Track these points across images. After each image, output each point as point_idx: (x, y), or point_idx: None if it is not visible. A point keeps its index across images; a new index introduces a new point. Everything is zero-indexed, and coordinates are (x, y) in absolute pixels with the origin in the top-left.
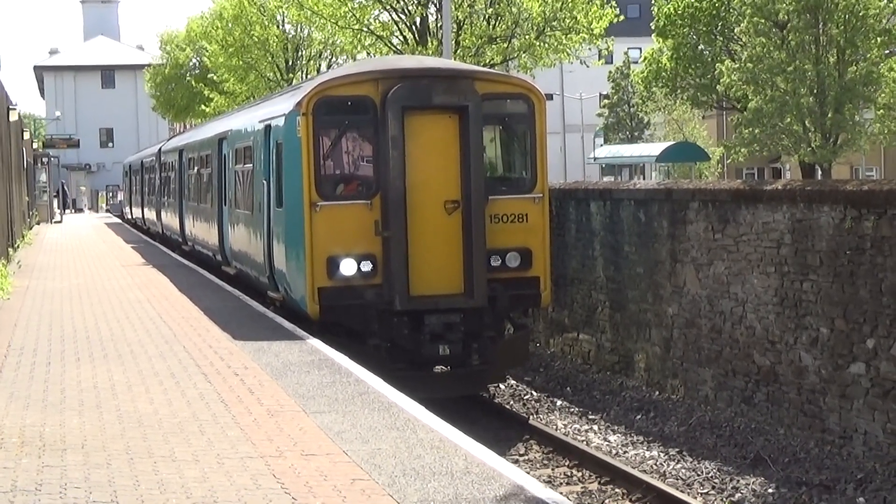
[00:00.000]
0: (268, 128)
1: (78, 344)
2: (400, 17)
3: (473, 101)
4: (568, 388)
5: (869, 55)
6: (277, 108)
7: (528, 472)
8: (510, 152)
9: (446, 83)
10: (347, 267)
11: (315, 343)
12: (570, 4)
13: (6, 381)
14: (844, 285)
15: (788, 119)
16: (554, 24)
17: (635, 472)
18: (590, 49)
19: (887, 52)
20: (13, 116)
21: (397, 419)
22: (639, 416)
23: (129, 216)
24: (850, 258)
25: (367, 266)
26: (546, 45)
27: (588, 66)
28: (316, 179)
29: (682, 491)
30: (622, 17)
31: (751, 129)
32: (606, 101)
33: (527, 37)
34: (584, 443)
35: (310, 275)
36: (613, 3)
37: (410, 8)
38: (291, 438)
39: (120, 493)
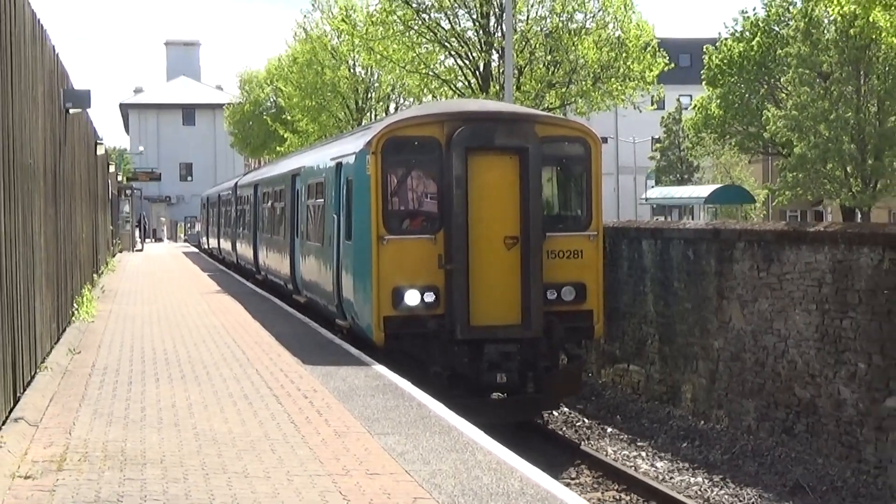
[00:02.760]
0: (339, 165)
1: (157, 365)
2: (464, 63)
3: (533, 143)
4: (618, 417)
5: None
6: (348, 146)
7: (580, 496)
8: (567, 192)
9: (508, 126)
10: (412, 297)
11: (380, 369)
12: (624, 54)
13: (91, 399)
14: (882, 323)
15: (830, 165)
16: (609, 71)
17: (681, 497)
18: (642, 95)
19: None
20: (100, 150)
21: (457, 442)
22: (685, 444)
23: (206, 246)
24: (887, 297)
25: (430, 297)
26: (601, 91)
27: (641, 111)
28: (383, 214)
29: None
30: (673, 66)
31: (795, 173)
32: (658, 144)
33: (583, 83)
34: (633, 468)
35: (376, 304)
36: (664, 53)
37: (474, 54)
38: (357, 458)
39: None
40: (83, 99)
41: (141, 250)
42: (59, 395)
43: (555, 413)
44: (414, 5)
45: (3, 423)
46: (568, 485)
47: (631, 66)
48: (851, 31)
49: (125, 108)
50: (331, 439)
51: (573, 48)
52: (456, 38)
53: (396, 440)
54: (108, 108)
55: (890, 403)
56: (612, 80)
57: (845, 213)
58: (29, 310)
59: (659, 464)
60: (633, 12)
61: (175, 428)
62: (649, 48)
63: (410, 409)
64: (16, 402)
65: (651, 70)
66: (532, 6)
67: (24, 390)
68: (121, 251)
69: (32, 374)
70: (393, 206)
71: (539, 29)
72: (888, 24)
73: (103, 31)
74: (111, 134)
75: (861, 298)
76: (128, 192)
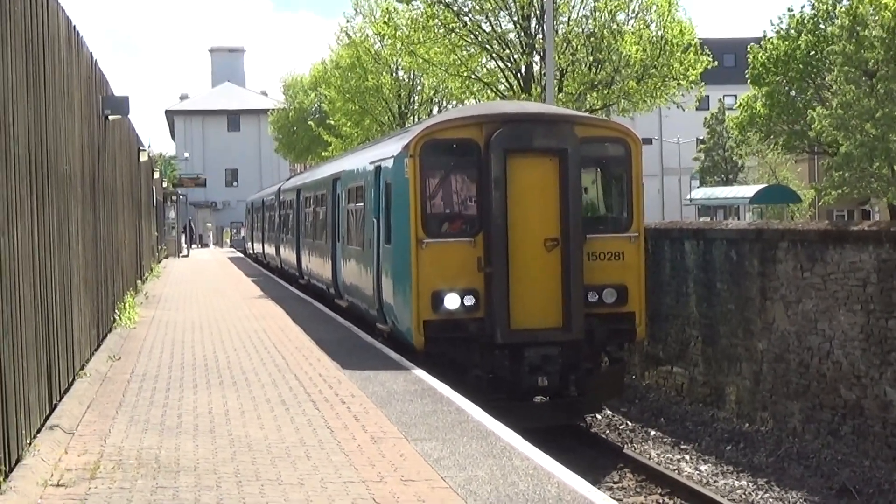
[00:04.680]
0: (378, 169)
1: (196, 371)
2: (506, 65)
3: (572, 145)
4: (661, 419)
5: None
6: (387, 150)
7: (622, 500)
8: (608, 193)
9: (546, 127)
10: (451, 301)
11: (419, 373)
12: (668, 52)
13: (128, 406)
14: None
15: (877, 163)
16: (653, 70)
17: (725, 501)
18: (683, 95)
19: None
20: (143, 157)
21: (494, 447)
22: (729, 447)
23: (251, 251)
24: None
25: (469, 300)
26: (644, 90)
27: (684, 110)
28: (422, 218)
29: None
30: (716, 64)
31: (841, 172)
32: (703, 145)
33: (626, 83)
34: (676, 472)
35: (415, 308)
36: (708, 51)
37: (516, 56)
38: (392, 464)
39: None
40: (122, 105)
41: (187, 256)
42: (97, 403)
43: (597, 416)
44: (455, 8)
45: (39, 431)
46: (611, 489)
47: (673, 65)
48: None
49: (171, 115)
50: (367, 445)
51: (616, 47)
52: (497, 40)
53: (433, 446)
54: (154, 115)
55: None
56: (655, 78)
57: (893, 211)
58: (66, 317)
59: (703, 467)
60: (676, 9)
61: (210, 435)
62: (691, 48)
63: (448, 414)
64: (52, 409)
65: (694, 68)
66: (574, 7)
67: (62, 398)
68: (166, 257)
69: (70, 381)
70: (432, 210)
71: (581, 30)
72: None
73: (149, 39)
74: (157, 141)
75: None
76: (173, 198)
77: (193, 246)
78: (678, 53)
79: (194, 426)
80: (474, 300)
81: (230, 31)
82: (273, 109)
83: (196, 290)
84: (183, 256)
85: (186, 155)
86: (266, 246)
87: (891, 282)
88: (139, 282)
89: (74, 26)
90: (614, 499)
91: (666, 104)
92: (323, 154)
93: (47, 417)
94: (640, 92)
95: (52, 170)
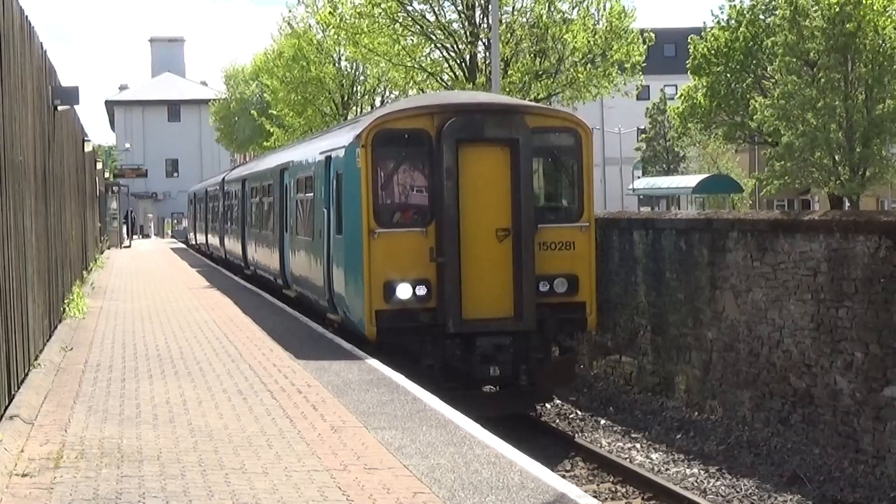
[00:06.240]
0: (328, 159)
1: (150, 361)
2: (450, 55)
3: (524, 135)
4: (611, 408)
5: None
6: (337, 140)
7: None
8: (558, 183)
9: (498, 117)
10: (403, 291)
11: (373, 363)
12: (612, 38)
13: (85, 396)
14: (879, 312)
15: (818, 153)
16: (598, 59)
17: (677, 489)
18: (626, 84)
19: None
20: (87, 148)
21: (454, 436)
22: (679, 436)
23: (194, 242)
24: (884, 286)
25: (421, 290)
26: (589, 76)
27: (627, 96)
28: (374, 208)
29: None
30: (653, 47)
31: (782, 162)
32: (644, 135)
33: (571, 71)
34: (628, 460)
35: (367, 298)
36: (651, 35)
37: (460, 46)
38: (355, 453)
39: (195, 503)
40: (71, 95)
41: (129, 247)
42: (54, 393)
43: (548, 405)
44: None
45: None
46: (563, 477)
47: (616, 51)
48: (837, 16)
49: (111, 106)
50: (327, 434)
51: (560, 36)
52: (441, 29)
53: (393, 434)
54: (93, 105)
55: (887, 393)
56: (601, 66)
57: (833, 201)
58: (22, 307)
59: (654, 455)
60: (616, 1)
61: (170, 424)
62: (628, 33)
63: (406, 403)
64: (10, 399)
65: (632, 56)
66: None
67: (19, 388)
68: (109, 248)
69: (26, 371)
70: (383, 200)
71: (525, 19)
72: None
73: (88, 29)
74: (97, 131)
75: (857, 287)
76: (114, 188)
77: (135, 237)
78: (619, 41)
79: (153, 416)
80: (426, 290)
81: (170, 20)
82: (214, 100)
83: (142, 280)
84: (125, 247)
85: (127, 146)
86: (210, 236)
87: (841, 271)
88: (85, 272)
89: (27, 16)
90: None
91: (609, 93)
92: (265, 144)
93: (6, 408)
94: (585, 79)
95: (9, 160)
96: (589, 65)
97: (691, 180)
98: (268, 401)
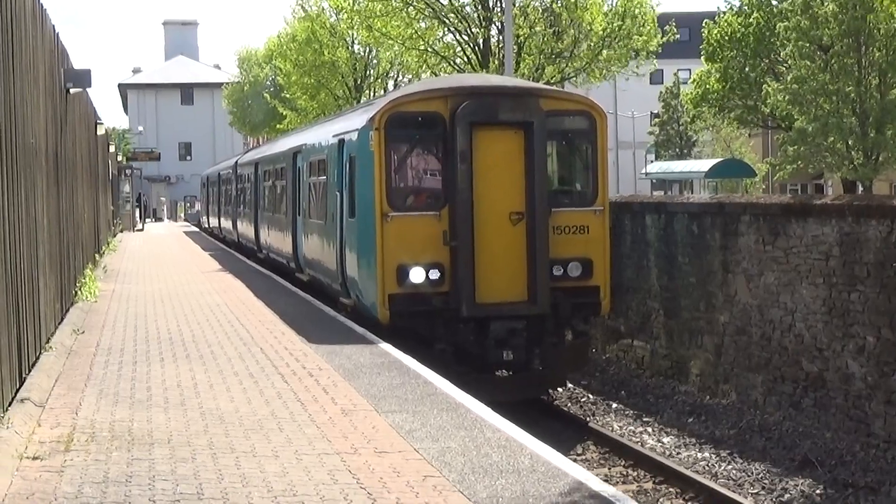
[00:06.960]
0: (341, 142)
1: (161, 344)
2: (463, 39)
3: (538, 118)
4: (623, 392)
5: None
6: (351, 123)
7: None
8: (573, 166)
9: (512, 100)
10: (416, 275)
11: (385, 346)
12: (629, 20)
13: (96, 379)
14: (891, 296)
15: (832, 138)
16: (617, 42)
17: (688, 473)
18: (638, 67)
19: None
20: (100, 131)
21: (465, 419)
22: (691, 420)
23: (206, 225)
24: None
25: (435, 274)
26: (605, 58)
27: (641, 76)
28: (387, 191)
29: (732, 491)
30: (678, 37)
31: (795, 147)
32: (657, 119)
33: (585, 55)
34: (640, 444)
35: (380, 282)
36: (673, 25)
37: (473, 29)
38: (365, 436)
39: (205, 486)
40: (83, 78)
41: (141, 230)
42: (65, 376)
43: (560, 389)
44: None
45: (10, 404)
46: (575, 461)
47: (633, 35)
48: (850, 1)
49: (124, 89)
50: (338, 417)
51: (576, 18)
52: (454, 13)
53: (404, 418)
54: (107, 88)
55: None
56: (617, 47)
57: (846, 186)
58: (33, 290)
59: (665, 439)
60: None
61: (181, 408)
62: (647, 19)
63: (417, 386)
64: (21, 382)
65: (653, 40)
66: None
67: (30, 371)
68: (121, 231)
69: (38, 354)
70: (397, 183)
71: (538, 3)
72: None
73: (101, 13)
74: (110, 114)
75: (869, 271)
76: (127, 171)
77: (147, 220)
78: (636, 25)
79: (164, 399)
80: (440, 274)
81: (183, 3)
82: (227, 83)
83: (154, 263)
84: (138, 230)
85: (140, 129)
86: (222, 220)
87: (853, 255)
88: (97, 256)
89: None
90: None
91: (624, 74)
92: (278, 127)
93: (18, 390)
94: (601, 61)
95: (21, 143)
96: (606, 46)
97: (704, 164)
98: (279, 384)
